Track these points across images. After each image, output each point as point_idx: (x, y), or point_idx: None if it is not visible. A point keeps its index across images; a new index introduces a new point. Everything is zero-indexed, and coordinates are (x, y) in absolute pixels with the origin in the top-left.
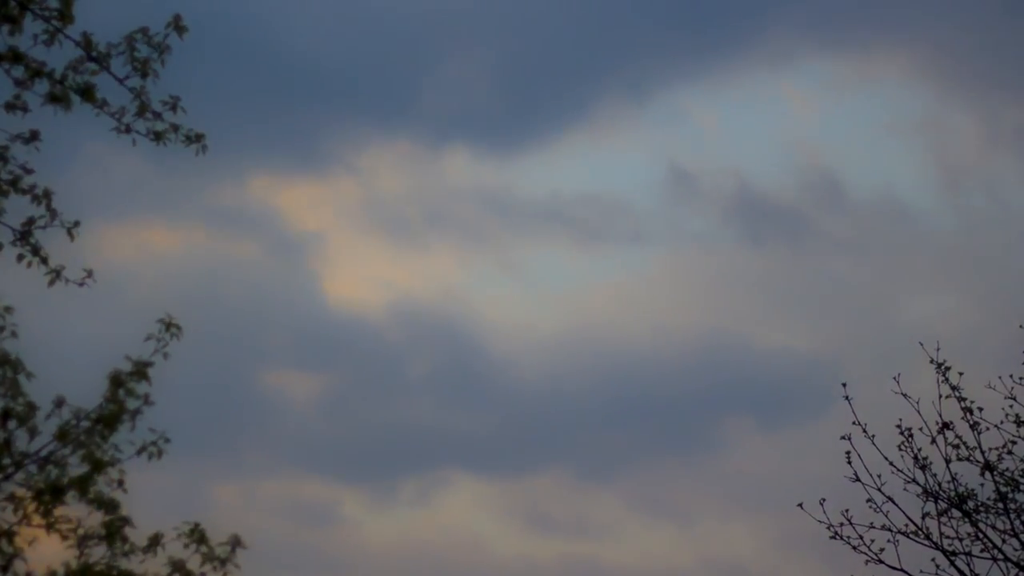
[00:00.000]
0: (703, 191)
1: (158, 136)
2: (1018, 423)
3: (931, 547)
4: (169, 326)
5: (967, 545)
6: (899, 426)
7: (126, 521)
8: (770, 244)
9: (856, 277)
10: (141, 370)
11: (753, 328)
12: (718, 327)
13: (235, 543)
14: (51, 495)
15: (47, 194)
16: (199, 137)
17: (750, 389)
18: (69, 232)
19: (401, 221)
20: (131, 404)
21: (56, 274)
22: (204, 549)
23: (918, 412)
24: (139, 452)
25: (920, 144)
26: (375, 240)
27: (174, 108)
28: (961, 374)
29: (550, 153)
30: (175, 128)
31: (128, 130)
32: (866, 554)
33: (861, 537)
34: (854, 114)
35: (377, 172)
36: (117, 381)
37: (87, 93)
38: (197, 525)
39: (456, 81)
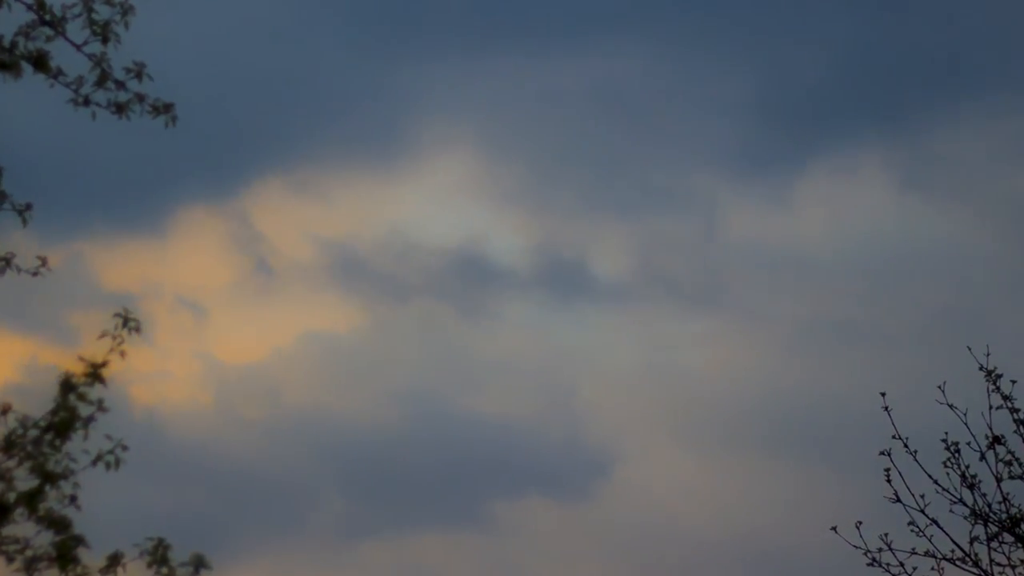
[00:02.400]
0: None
1: (120, 108)
2: None
3: (979, 575)
4: (127, 320)
5: (1020, 573)
6: (944, 440)
7: (80, 541)
8: (432, 316)
9: (528, 348)
10: (95, 372)
11: (456, 397)
12: (419, 397)
13: (198, 563)
14: None
15: None
16: (168, 108)
17: (490, 459)
18: (21, 215)
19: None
20: (84, 410)
21: (6, 263)
22: (164, 570)
23: (965, 424)
24: (94, 462)
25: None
26: None
27: (139, 76)
28: (1014, 382)
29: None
30: (140, 98)
31: (87, 102)
32: None
33: (902, 564)
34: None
35: None
36: (68, 385)
37: (40, 61)
38: (161, 541)
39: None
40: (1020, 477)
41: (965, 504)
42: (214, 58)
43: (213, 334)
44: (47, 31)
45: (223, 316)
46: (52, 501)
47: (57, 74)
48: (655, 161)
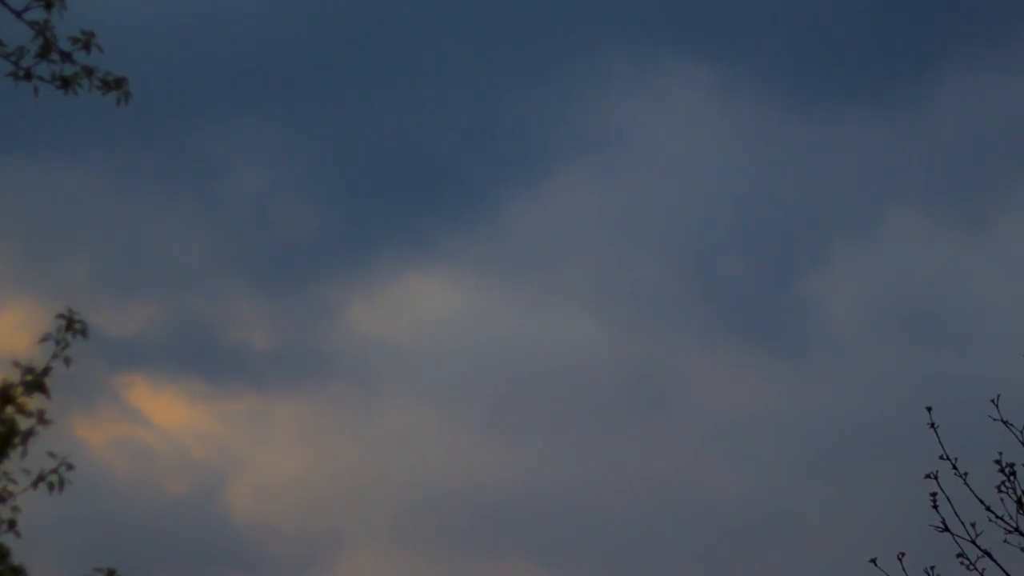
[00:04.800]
0: None
1: (66, 82)
2: None
3: None
4: (72, 322)
5: None
6: (998, 462)
7: (19, 573)
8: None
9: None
10: (36, 380)
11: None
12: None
13: None
14: None
15: None
16: (119, 83)
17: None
18: None
19: None
20: (23, 423)
21: None
22: None
23: (1021, 442)
24: (35, 484)
25: None
26: None
27: (87, 47)
28: None
29: None
30: (89, 72)
31: (28, 76)
32: None
33: None
34: None
35: None
36: (5, 395)
37: None
38: (112, 572)
39: None
40: None
41: (1021, 533)
42: None
43: None
44: None
45: None
46: None
47: None
48: (273, 236)
